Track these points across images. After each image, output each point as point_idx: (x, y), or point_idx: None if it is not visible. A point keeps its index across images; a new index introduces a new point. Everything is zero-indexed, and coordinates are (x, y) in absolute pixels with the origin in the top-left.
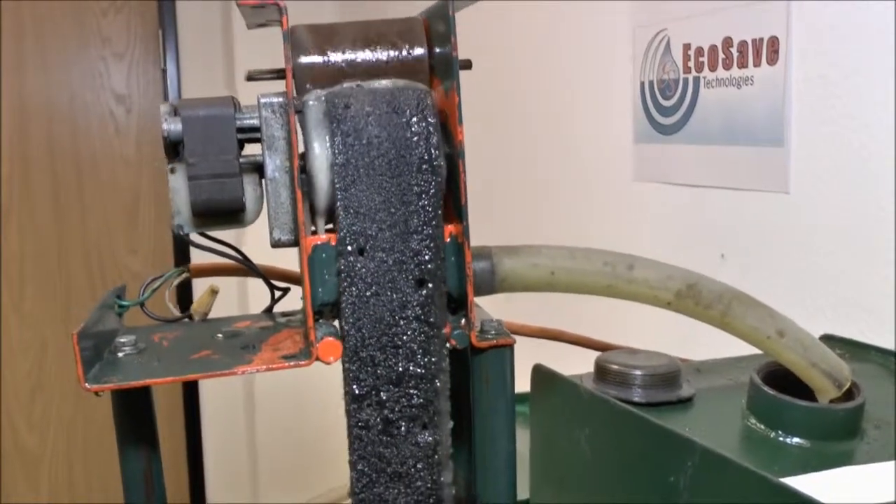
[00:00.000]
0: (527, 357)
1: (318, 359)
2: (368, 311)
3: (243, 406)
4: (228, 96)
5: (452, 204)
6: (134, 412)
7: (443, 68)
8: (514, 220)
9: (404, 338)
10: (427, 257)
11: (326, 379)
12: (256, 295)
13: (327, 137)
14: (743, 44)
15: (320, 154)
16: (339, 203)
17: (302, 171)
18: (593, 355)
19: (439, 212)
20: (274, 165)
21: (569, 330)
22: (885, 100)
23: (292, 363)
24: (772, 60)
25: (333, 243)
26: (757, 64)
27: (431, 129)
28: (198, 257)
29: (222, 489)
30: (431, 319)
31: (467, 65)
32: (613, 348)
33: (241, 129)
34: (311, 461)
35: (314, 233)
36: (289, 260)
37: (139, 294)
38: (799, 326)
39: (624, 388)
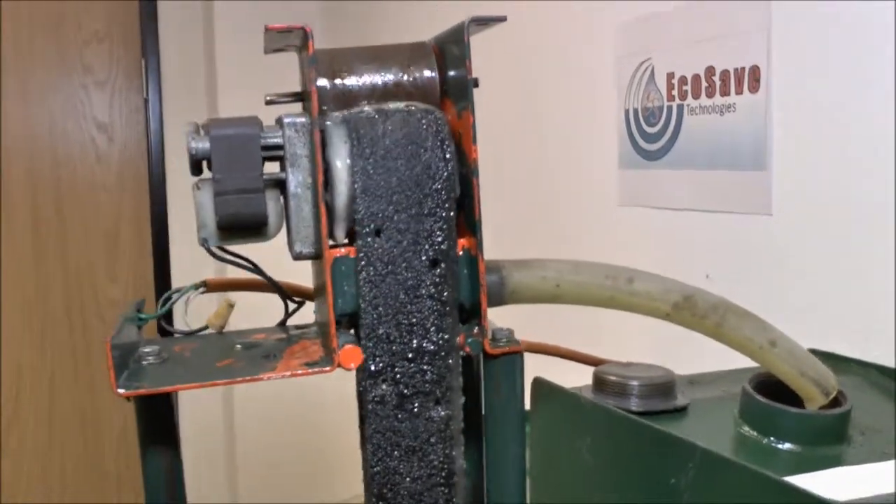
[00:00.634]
0: None
1: (339, 365)
2: (384, 289)
3: (223, 430)
4: (254, 116)
5: (465, 219)
6: (158, 418)
7: (457, 90)
8: (502, 245)
9: (419, 315)
10: (440, 238)
11: (306, 402)
12: (245, 310)
13: (348, 157)
14: (725, 72)
15: (342, 170)
16: (357, 188)
17: (324, 186)
18: (577, 369)
19: (452, 195)
20: (297, 181)
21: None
22: (864, 124)
23: (315, 370)
24: (753, 88)
25: (353, 256)
26: (739, 92)
27: (446, 144)
28: (180, 282)
29: None
30: (444, 298)
31: (475, 83)
32: (605, 363)
33: (264, 147)
34: (291, 479)
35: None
36: (294, 276)
37: (156, 308)
38: (789, 337)
39: (622, 397)
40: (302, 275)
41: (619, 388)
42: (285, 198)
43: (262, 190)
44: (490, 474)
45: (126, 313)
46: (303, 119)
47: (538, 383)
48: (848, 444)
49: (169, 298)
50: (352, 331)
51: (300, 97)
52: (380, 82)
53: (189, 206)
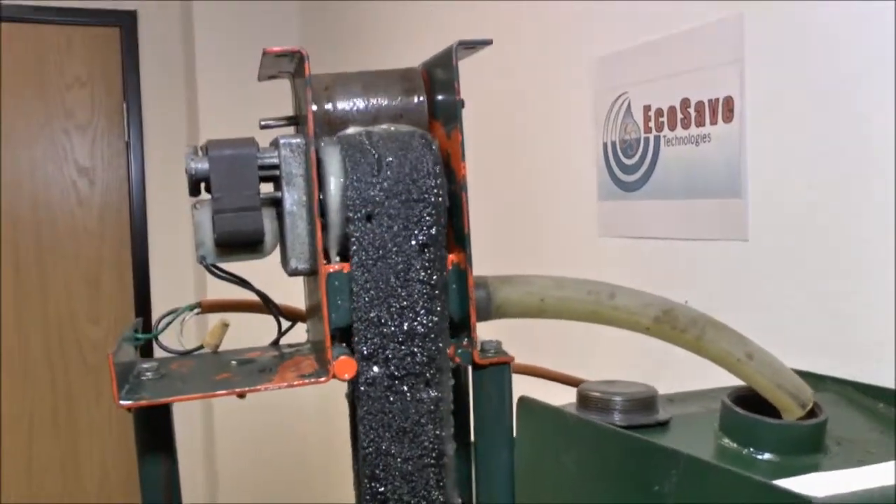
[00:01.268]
0: None
1: (334, 376)
2: (375, 273)
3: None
4: (250, 137)
5: (454, 235)
6: (157, 429)
7: (445, 111)
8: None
9: (409, 299)
10: (429, 222)
11: (286, 425)
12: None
13: (342, 175)
14: (700, 104)
15: (335, 190)
16: (350, 182)
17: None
18: (558, 390)
19: (440, 180)
20: (292, 200)
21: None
22: (835, 151)
23: (311, 380)
24: (727, 119)
25: (346, 271)
26: (714, 122)
27: (433, 146)
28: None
29: None
30: (433, 281)
31: (462, 104)
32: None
33: (261, 167)
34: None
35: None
36: (286, 298)
37: (153, 329)
38: (766, 351)
39: (605, 413)
40: (293, 297)
41: (603, 404)
42: (280, 216)
43: (259, 208)
44: (480, 480)
45: (124, 334)
46: (298, 140)
47: (524, 401)
48: (824, 454)
49: (166, 318)
50: (344, 345)
51: (294, 121)
52: (371, 106)
53: (170, 249)
